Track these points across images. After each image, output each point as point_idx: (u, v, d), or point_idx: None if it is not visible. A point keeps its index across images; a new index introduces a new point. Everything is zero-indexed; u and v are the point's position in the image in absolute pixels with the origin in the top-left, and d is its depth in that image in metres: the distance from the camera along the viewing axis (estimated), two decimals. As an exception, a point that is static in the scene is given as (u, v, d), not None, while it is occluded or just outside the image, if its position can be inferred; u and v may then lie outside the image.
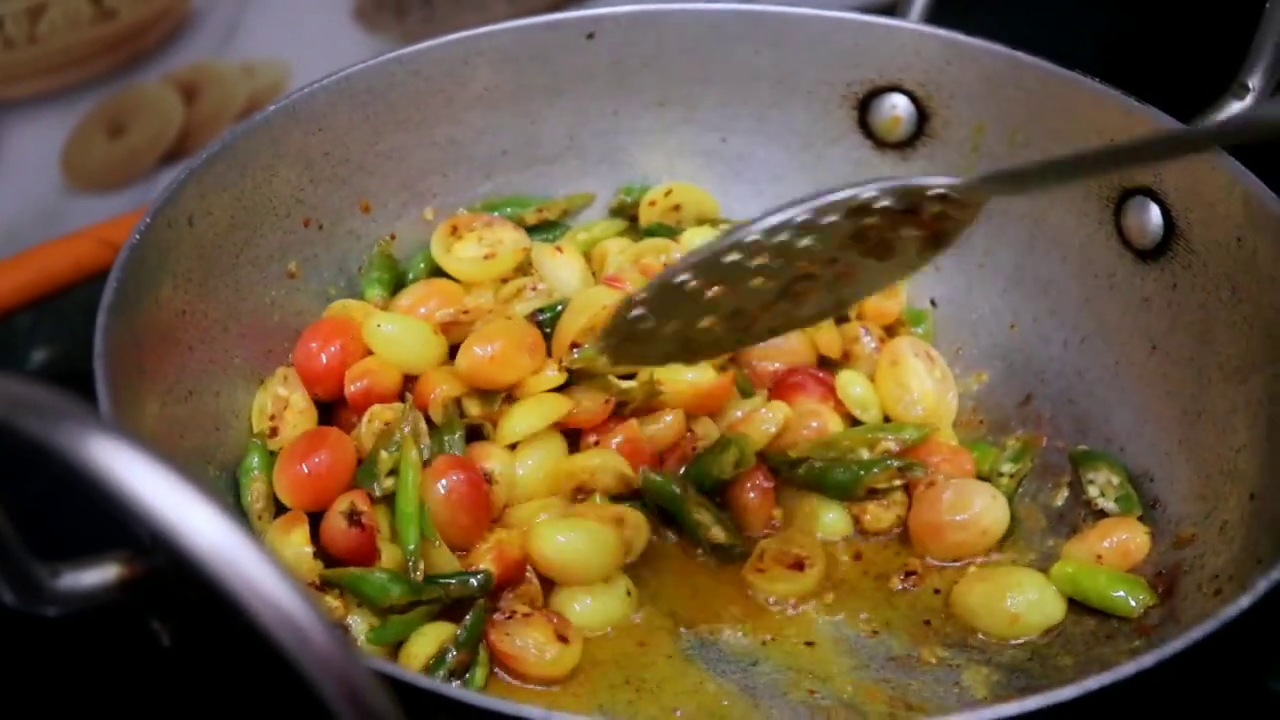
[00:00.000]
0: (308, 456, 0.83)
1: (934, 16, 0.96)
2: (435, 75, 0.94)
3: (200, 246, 0.85)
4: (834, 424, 0.92)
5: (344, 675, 0.49)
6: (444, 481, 0.83)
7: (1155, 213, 0.89)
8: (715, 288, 0.77)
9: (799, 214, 0.75)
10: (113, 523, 0.70)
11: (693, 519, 0.87)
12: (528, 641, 0.80)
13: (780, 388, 0.93)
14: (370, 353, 0.89)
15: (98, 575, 0.63)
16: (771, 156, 1.00)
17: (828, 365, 0.96)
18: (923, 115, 0.97)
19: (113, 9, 1.09)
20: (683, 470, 0.89)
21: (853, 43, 0.96)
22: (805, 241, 0.76)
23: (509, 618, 0.81)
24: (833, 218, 0.75)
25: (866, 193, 0.75)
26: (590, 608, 0.83)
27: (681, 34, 0.97)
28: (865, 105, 0.98)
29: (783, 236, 0.75)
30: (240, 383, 0.88)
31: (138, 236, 0.79)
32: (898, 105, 0.97)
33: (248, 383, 0.88)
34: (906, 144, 0.98)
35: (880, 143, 0.98)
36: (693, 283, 0.77)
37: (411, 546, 0.81)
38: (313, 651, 0.48)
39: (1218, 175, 0.85)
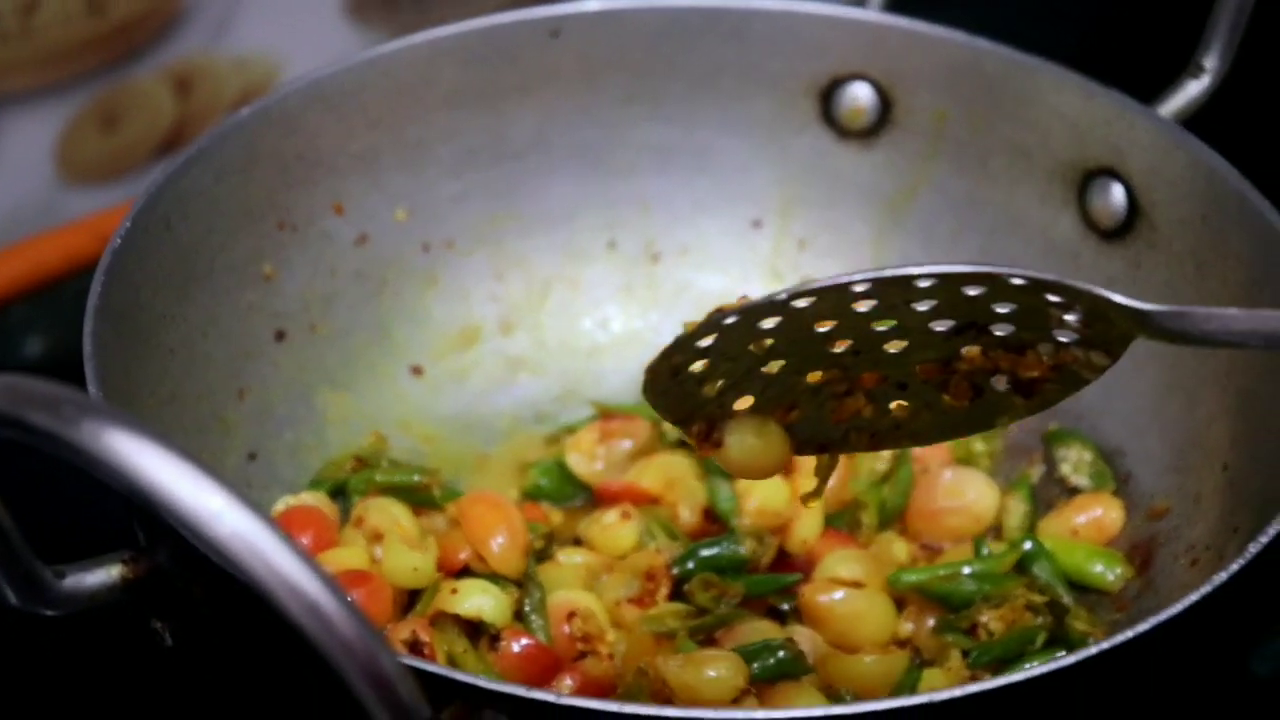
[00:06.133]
0: None
1: (903, 7, 0.97)
2: (404, 76, 0.94)
3: (178, 250, 0.85)
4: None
5: (371, 663, 0.49)
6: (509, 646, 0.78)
7: (1119, 193, 0.90)
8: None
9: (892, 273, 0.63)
10: (103, 523, 0.71)
11: None
12: None
13: None
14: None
15: (101, 576, 0.63)
16: (736, 147, 1.00)
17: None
18: (885, 104, 0.98)
19: (105, 4, 1.09)
20: None
21: (815, 33, 0.97)
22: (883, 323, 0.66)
23: None
24: (930, 302, 0.64)
25: (1013, 276, 0.62)
26: None
27: (645, 30, 0.98)
28: (828, 95, 0.98)
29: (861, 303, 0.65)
30: (219, 386, 0.88)
31: (118, 240, 0.79)
32: (860, 95, 0.98)
33: (226, 386, 0.88)
34: (870, 133, 0.98)
35: (843, 132, 0.99)
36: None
37: None
38: (339, 638, 0.49)
39: (1181, 154, 0.87)
